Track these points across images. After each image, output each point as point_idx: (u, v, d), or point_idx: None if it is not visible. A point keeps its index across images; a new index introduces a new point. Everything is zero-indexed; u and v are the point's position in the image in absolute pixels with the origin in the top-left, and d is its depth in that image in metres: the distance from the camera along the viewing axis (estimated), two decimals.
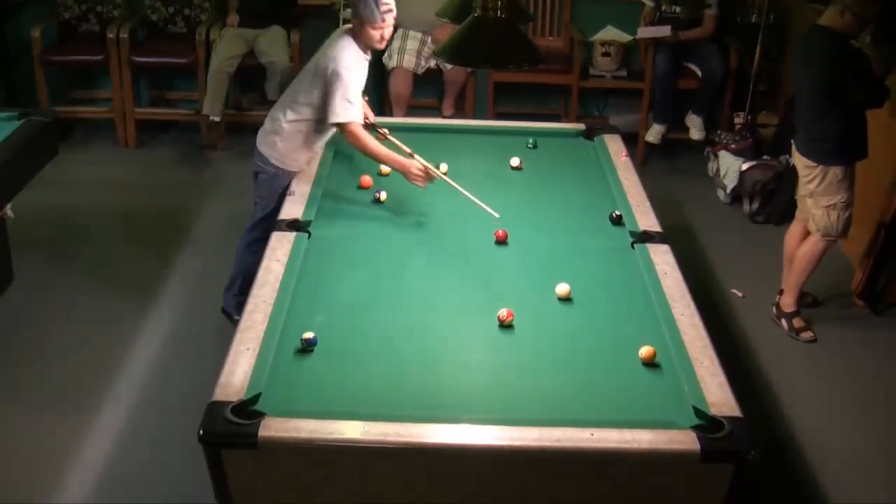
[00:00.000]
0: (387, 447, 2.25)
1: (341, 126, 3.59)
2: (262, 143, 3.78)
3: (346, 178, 3.79)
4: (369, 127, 3.80)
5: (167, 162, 5.88)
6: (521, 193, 3.79)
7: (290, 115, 3.70)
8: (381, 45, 3.67)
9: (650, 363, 2.66)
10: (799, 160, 4.12)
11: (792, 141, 4.21)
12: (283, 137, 3.72)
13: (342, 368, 2.60)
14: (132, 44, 5.85)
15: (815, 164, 4.04)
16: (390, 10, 3.55)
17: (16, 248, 4.42)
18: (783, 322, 4.27)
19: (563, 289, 2.98)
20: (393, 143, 3.75)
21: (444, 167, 3.86)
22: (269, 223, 3.71)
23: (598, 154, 4.15)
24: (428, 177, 3.58)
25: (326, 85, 3.56)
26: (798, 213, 4.33)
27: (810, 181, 4.07)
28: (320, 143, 3.85)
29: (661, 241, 3.31)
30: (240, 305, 3.72)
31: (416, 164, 3.58)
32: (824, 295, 4.53)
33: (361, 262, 3.20)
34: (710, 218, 5.40)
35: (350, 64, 3.57)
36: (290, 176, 3.73)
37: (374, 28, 3.55)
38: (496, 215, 3.36)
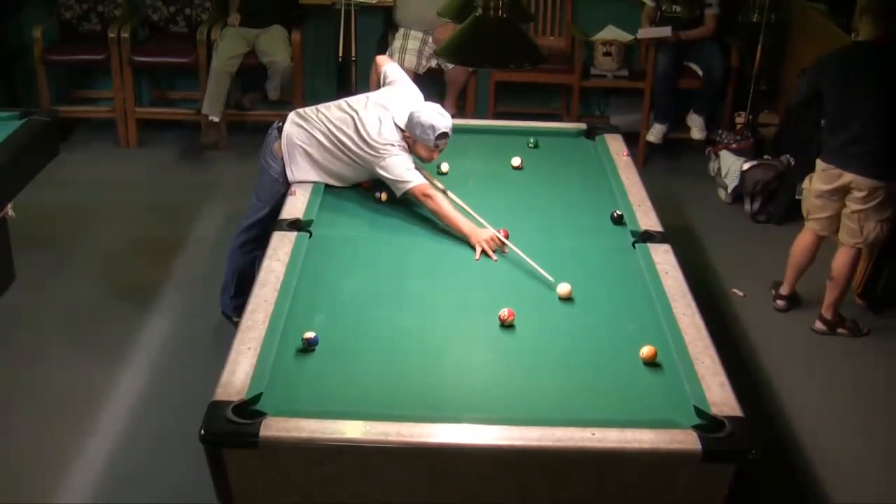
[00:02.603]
0: (388, 447, 2.25)
1: (410, 192, 3.43)
2: (287, 148, 3.61)
3: None
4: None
5: (168, 162, 5.88)
6: (522, 193, 3.79)
7: (324, 149, 3.57)
8: (427, 163, 3.58)
9: (651, 363, 2.66)
10: (866, 183, 3.96)
11: (843, 167, 4.01)
12: (310, 161, 3.61)
13: (343, 368, 2.60)
14: (133, 43, 5.85)
15: (883, 184, 3.96)
16: (446, 138, 3.46)
17: (17, 247, 4.42)
18: (842, 331, 4.25)
19: (564, 289, 2.98)
20: (460, 205, 3.49)
21: (445, 167, 3.86)
22: (263, 225, 3.70)
23: (600, 153, 4.14)
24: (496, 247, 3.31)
25: (378, 171, 3.49)
26: (816, 228, 4.24)
27: (872, 199, 3.99)
28: (330, 175, 3.67)
29: (662, 241, 3.31)
30: (238, 308, 3.74)
31: (489, 233, 3.31)
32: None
33: (362, 262, 3.20)
34: (711, 218, 5.40)
35: (395, 150, 3.46)
36: (288, 185, 3.66)
37: (424, 149, 3.48)
38: (551, 279, 3.07)
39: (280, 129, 3.66)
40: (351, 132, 3.53)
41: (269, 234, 3.31)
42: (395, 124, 3.51)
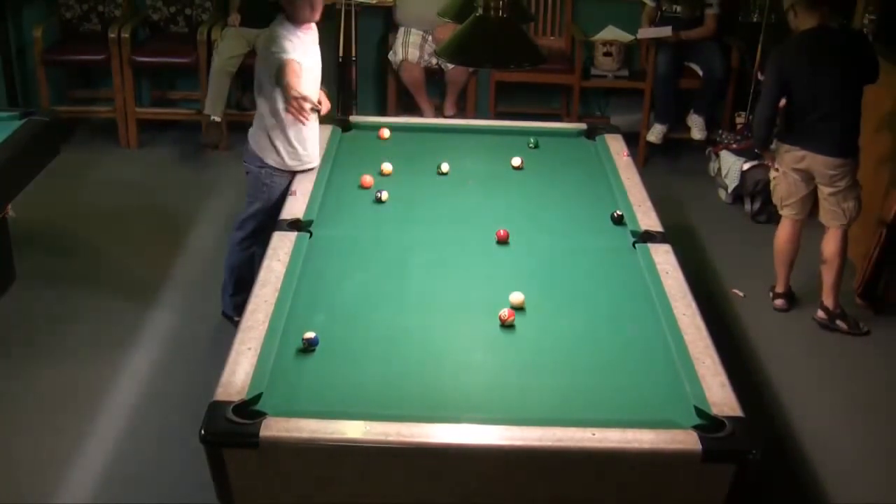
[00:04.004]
0: (388, 447, 2.25)
1: (282, 66, 3.52)
2: (249, 139, 3.82)
3: (348, 178, 3.79)
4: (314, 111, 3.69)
5: (168, 162, 5.88)
6: (522, 193, 3.79)
7: (262, 108, 3.73)
8: (315, 15, 3.63)
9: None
10: (829, 163, 4.07)
11: (810, 148, 4.10)
12: (261, 131, 3.75)
13: (343, 368, 2.60)
14: (134, 44, 5.85)
15: (851, 160, 4.08)
16: None
17: (17, 247, 4.42)
18: (840, 324, 4.26)
19: (517, 298, 2.90)
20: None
21: (445, 167, 3.87)
22: (255, 221, 3.82)
23: (600, 154, 4.15)
24: (302, 112, 3.49)
25: (272, 67, 3.59)
26: (792, 214, 4.30)
27: (843, 178, 4.08)
28: (300, 138, 3.75)
29: (663, 241, 3.31)
30: (238, 306, 3.78)
31: (299, 96, 3.45)
32: None
33: (363, 262, 3.19)
34: (712, 218, 5.40)
35: (285, 45, 3.56)
36: (275, 175, 3.76)
37: (304, 3, 3.56)
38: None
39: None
40: (260, 68, 3.67)
41: (265, 231, 3.37)
42: (278, 21, 3.62)
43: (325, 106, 3.84)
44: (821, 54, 4.04)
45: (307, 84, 3.66)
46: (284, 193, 3.75)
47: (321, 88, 3.88)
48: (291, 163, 3.76)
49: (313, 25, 3.74)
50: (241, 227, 3.89)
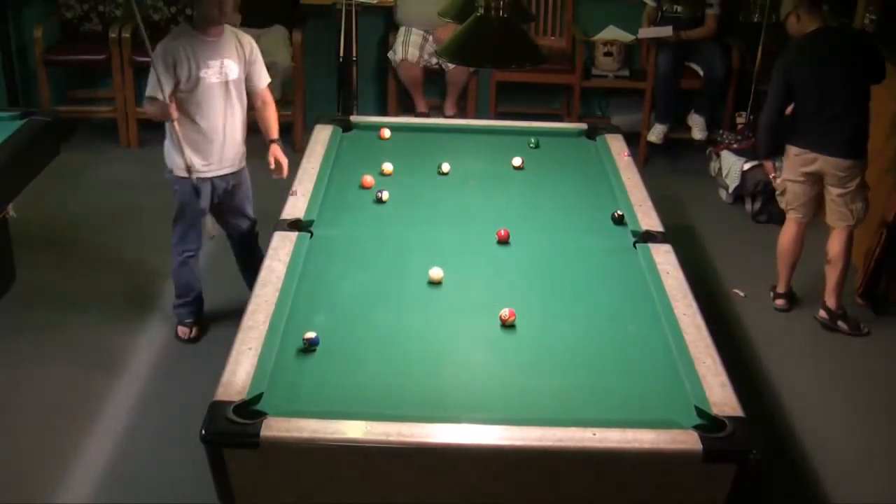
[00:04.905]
0: (389, 447, 2.25)
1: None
2: (167, 154, 3.83)
3: (348, 178, 3.79)
4: None
5: None
6: (523, 193, 3.79)
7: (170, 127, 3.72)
8: (224, 17, 3.53)
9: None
10: (840, 165, 4.07)
11: (820, 151, 4.10)
12: (166, 137, 3.76)
13: (344, 368, 2.60)
14: (134, 43, 5.84)
15: (861, 161, 4.09)
16: None
17: (18, 247, 4.42)
18: (842, 324, 4.26)
19: (437, 274, 3.03)
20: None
21: (446, 167, 3.87)
22: (178, 226, 3.87)
23: (600, 154, 4.15)
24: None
25: None
26: (798, 217, 4.30)
27: (853, 179, 4.09)
28: (194, 147, 3.72)
29: (663, 241, 3.31)
30: (180, 311, 3.94)
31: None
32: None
33: (363, 262, 3.20)
34: (712, 218, 5.40)
35: (161, 47, 3.53)
36: (178, 180, 3.77)
37: (204, 3, 3.48)
38: None
39: None
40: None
41: (196, 241, 3.70)
42: (182, 24, 3.64)
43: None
44: (826, 55, 4.04)
45: (206, 99, 3.61)
46: (193, 202, 3.77)
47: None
48: (179, 171, 3.74)
49: (229, 31, 3.64)
50: (172, 233, 3.91)
